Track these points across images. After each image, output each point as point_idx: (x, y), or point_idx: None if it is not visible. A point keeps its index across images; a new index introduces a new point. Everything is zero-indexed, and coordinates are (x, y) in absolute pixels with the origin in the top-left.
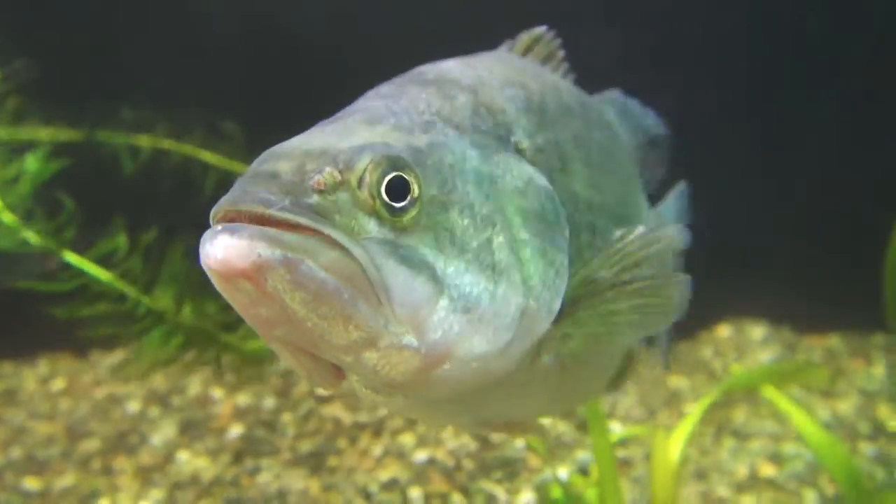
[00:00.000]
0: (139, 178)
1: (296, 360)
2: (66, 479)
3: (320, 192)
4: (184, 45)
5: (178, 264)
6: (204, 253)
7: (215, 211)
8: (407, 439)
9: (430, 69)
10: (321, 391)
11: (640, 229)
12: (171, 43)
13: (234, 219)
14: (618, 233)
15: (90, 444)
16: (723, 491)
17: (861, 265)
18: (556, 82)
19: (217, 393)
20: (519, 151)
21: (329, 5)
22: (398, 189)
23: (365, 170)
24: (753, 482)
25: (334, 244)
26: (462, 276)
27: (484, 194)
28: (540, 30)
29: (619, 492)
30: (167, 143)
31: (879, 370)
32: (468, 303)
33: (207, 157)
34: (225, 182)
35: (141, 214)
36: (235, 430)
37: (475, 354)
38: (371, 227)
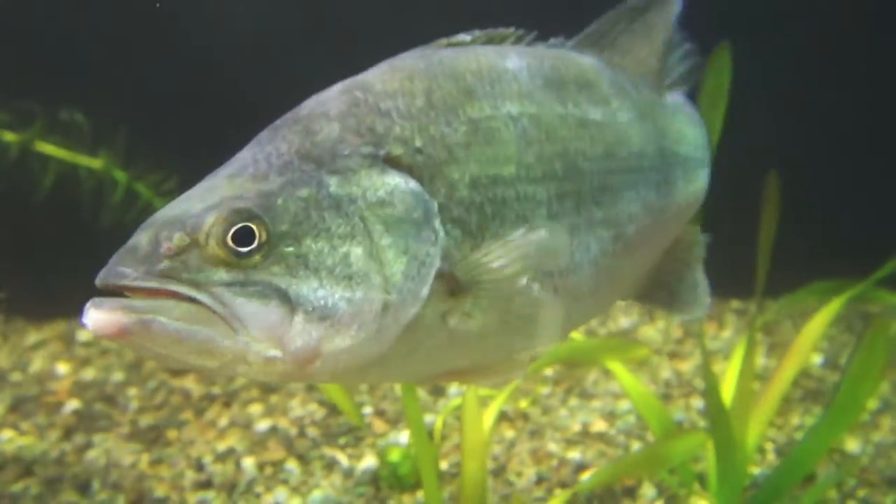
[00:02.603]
0: None
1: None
2: None
3: (170, 256)
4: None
5: None
6: (83, 322)
7: (97, 283)
8: (255, 409)
9: (308, 104)
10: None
11: (517, 234)
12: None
13: (108, 289)
14: (518, 232)
15: None
16: (553, 446)
17: (724, 235)
18: (461, 70)
19: (62, 368)
20: (391, 160)
21: None
22: (243, 237)
23: (210, 228)
24: (584, 437)
25: (185, 298)
26: (315, 293)
27: (343, 215)
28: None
29: (430, 452)
30: (7, 136)
31: (727, 333)
32: (324, 312)
33: (49, 148)
34: (68, 174)
35: None
36: (71, 406)
37: (342, 349)
38: (219, 275)
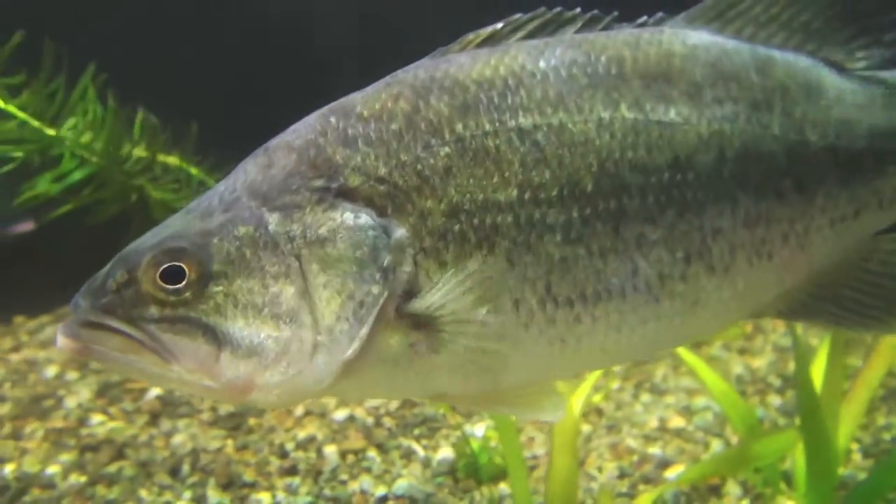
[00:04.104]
0: None
1: None
2: None
3: (113, 292)
4: None
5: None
6: None
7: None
8: (329, 398)
9: (287, 130)
10: None
11: (458, 272)
12: None
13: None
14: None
15: (1, 409)
16: (631, 441)
17: None
18: (466, 80)
19: None
20: (346, 192)
21: None
22: (173, 276)
23: (146, 266)
24: (662, 433)
25: (120, 331)
26: (241, 331)
27: (279, 253)
28: (488, 29)
29: (516, 445)
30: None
31: (798, 328)
32: (251, 349)
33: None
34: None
35: None
36: (154, 392)
37: (273, 384)
38: (151, 311)
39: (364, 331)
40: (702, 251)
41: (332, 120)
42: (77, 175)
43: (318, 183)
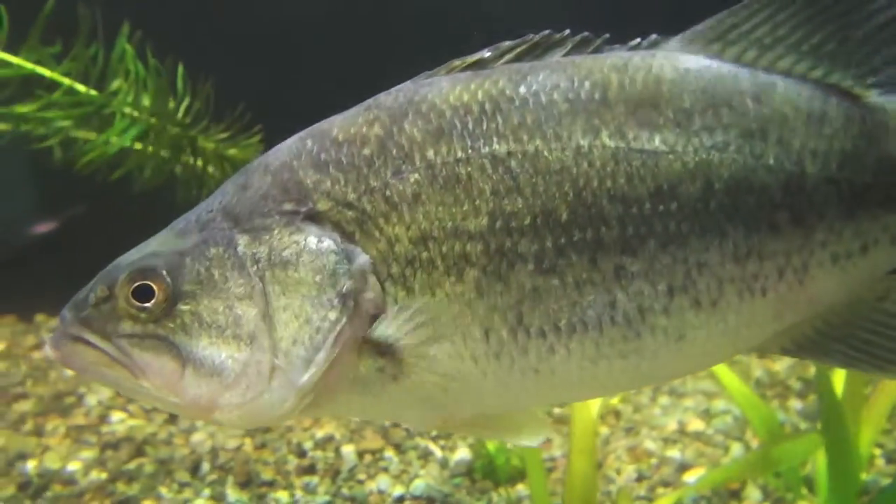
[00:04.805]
0: None
1: None
2: None
3: (93, 306)
4: None
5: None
6: None
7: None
8: None
9: (270, 151)
10: None
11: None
12: None
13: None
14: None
15: (23, 406)
16: (650, 444)
17: None
18: (442, 105)
19: None
20: (314, 216)
21: None
22: (144, 294)
23: (122, 283)
24: (681, 436)
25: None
26: (205, 350)
27: (245, 275)
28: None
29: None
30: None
31: None
32: (213, 370)
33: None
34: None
35: None
36: None
37: (234, 405)
38: (125, 326)
39: (321, 356)
40: (686, 285)
41: (308, 143)
42: (132, 132)
43: (288, 206)
